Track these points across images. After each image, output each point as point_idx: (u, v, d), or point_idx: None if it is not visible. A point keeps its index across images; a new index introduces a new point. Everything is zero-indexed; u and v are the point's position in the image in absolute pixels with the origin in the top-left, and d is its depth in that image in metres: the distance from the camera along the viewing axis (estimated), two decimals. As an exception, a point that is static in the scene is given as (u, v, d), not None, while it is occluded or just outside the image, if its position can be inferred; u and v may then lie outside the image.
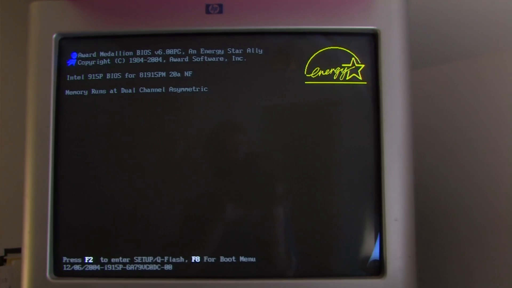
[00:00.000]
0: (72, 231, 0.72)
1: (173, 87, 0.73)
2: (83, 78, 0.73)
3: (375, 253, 0.71)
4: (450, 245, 0.97)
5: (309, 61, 0.73)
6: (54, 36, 0.72)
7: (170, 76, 0.73)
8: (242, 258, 0.71)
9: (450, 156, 0.99)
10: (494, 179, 0.92)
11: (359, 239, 0.71)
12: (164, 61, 0.73)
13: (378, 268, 0.70)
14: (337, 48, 0.73)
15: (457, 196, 0.97)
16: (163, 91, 0.73)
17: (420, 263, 0.72)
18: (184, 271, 0.71)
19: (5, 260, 1.06)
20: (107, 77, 0.73)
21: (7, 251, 1.07)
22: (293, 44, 0.74)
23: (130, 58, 0.73)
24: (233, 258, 0.71)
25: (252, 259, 0.71)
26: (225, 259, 0.71)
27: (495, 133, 0.92)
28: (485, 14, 0.89)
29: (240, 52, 0.73)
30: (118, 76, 0.73)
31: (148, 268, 0.71)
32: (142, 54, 0.73)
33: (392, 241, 0.69)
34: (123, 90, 0.73)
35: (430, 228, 0.99)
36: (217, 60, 0.73)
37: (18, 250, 0.81)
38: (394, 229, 0.70)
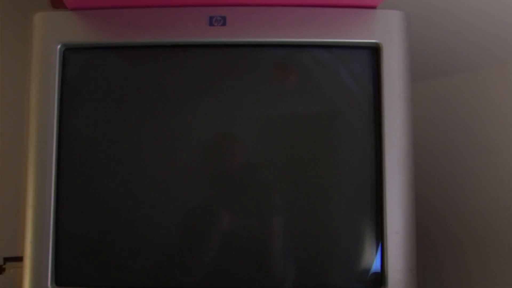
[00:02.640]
0: (74, 241, 0.72)
1: (176, 98, 0.73)
2: (86, 88, 0.74)
3: (375, 266, 0.70)
4: (448, 254, 0.97)
5: (310, 73, 0.73)
6: (58, 46, 0.72)
7: (172, 86, 0.74)
8: (240, 269, 0.71)
9: (451, 169, 0.99)
10: (494, 191, 0.92)
11: (359, 252, 0.71)
12: (167, 71, 0.73)
13: (378, 281, 0.70)
14: (338, 61, 0.73)
15: (457, 207, 0.97)
16: (165, 101, 0.73)
17: (421, 276, 0.72)
18: (184, 281, 0.71)
19: (3, 269, 1.06)
20: (110, 87, 0.74)
21: (6, 259, 1.07)
22: (295, 57, 0.74)
23: (133, 68, 0.74)
24: (231, 269, 0.71)
25: (250, 270, 0.71)
26: (223, 270, 0.71)
27: (495, 146, 0.93)
28: (485, 29, 0.90)
29: (242, 63, 0.74)
30: (120, 86, 0.74)
31: (149, 278, 0.71)
32: (144, 64, 0.74)
33: (393, 253, 0.69)
34: (125, 100, 0.74)
35: (431, 239, 0.99)
36: (219, 71, 0.73)
37: (17, 259, 0.81)
38: (394, 242, 0.69)
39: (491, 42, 0.92)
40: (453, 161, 0.99)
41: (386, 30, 0.73)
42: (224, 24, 0.72)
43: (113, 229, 0.72)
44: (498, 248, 0.90)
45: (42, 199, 0.70)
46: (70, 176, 0.72)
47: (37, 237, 0.70)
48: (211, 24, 0.72)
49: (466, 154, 0.97)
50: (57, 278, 0.70)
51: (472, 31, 0.90)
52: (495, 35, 0.90)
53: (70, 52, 0.73)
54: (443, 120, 1.01)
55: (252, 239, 0.72)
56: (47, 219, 0.70)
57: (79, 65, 0.74)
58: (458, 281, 0.96)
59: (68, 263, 0.71)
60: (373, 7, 0.73)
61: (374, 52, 0.73)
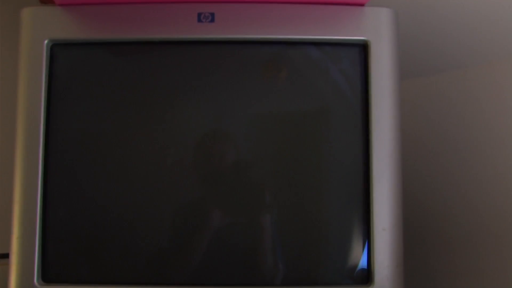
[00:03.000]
0: (61, 237, 0.71)
1: (164, 95, 0.73)
2: (74, 84, 0.73)
3: (363, 262, 0.71)
4: (437, 251, 0.98)
5: (298, 70, 0.74)
6: (45, 42, 0.72)
7: (161, 83, 0.73)
8: (229, 266, 0.71)
9: (440, 166, 0.99)
10: (484, 188, 0.92)
11: (347, 248, 0.71)
12: (155, 68, 0.73)
13: (365, 277, 0.70)
14: (327, 58, 0.74)
15: (446, 204, 0.97)
16: (154, 98, 0.73)
17: (407, 269, 0.72)
18: (172, 278, 0.71)
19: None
20: (98, 84, 0.74)
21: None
22: (284, 54, 0.74)
23: (121, 65, 0.73)
24: (220, 266, 0.71)
25: (240, 267, 0.71)
26: (212, 267, 0.71)
27: (484, 144, 0.93)
28: (474, 26, 0.90)
29: (231, 60, 0.74)
30: (109, 83, 0.74)
31: (136, 275, 0.71)
32: (133, 61, 0.73)
33: (380, 250, 0.70)
34: (114, 97, 0.73)
35: (419, 236, 0.99)
36: (208, 68, 0.73)
37: (4, 256, 0.80)
38: (382, 238, 0.70)
39: (480, 39, 0.92)
40: (442, 159, 0.99)
41: (374, 28, 0.73)
42: (212, 20, 0.72)
43: (101, 225, 0.72)
44: (487, 245, 0.91)
45: (29, 194, 0.70)
46: (58, 172, 0.72)
47: (24, 233, 0.69)
48: (199, 20, 0.72)
49: (455, 151, 0.97)
50: (44, 275, 0.70)
51: (461, 29, 0.90)
52: (484, 33, 0.90)
53: (58, 48, 0.73)
54: (432, 118, 1.01)
55: (241, 236, 0.72)
56: (33, 215, 0.70)
57: (67, 61, 0.73)
58: (446, 277, 0.96)
59: (55, 260, 0.71)
60: (362, 5, 0.73)
61: (362, 49, 0.73)
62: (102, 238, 0.72)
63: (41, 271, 0.70)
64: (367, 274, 0.70)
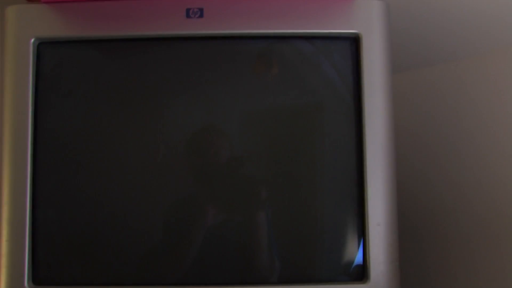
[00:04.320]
0: (51, 238, 0.70)
1: (154, 92, 0.72)
2: (61, 83, 0.72)
3: (358, 258, 0.70)
4: (432, 246, 0.98)
5: (289, 64, 0.73)
6: (32, 40, 0.71)
7: (150, 80, 0.72)
8: (224, 264, 0.70)
9: (433, 159, 0.99)
10: (477, 180, 0.92)
11: (342, 244, 0.71)
12: (144, 65, 0.72)
13: (361, 273, 0.70)
14: (318, 52, 0.73)
15: (439, 198, 0.97)
16: (143, 95, 0.72)
17: (405, 268, 0.72)
18: (166, 278, 0.70)
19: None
20: (86, 83, 0.73)
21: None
22: (274, 48, 0.74)
23: (109, 63, 0.73)
24: (215, 264, 0.70)
25: (234, 265, 0.70)
26: (207, 266, 0.70)
27: (477, 136, 0.93)
28: (466, 18, 0.89)
29: (221, 56, 0.73)
30: (97, 81, 0.73)
31: (128, 275, 0.70)
32: (121, 58, 0.73)
33: (375, 245, 0.69)
34: (102, 95, 0.73)
35: (414, 231, 0.99)
36: (198, 64, 0.72)
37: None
38: (377, 234, 0.69)
39: (472, 31, 0.92)
40: (436, 153, 0.99)
41: (365, 20, 0.72)
42: (201, 16, 0.71)
43: (92, 225, 0.71)
44: (482, 241, 0.90)
45: (18, 195, 0.69)
46: (47, 172, 0.71)
47: (13, 234, 0.69)
48: (188, 16, 0.71)
49: (448, 145, 0.97)
50: (34, 277, 0.69)
51: (452, 21, 0.90)
52: (476, 25, 0.90)
53: (44, 46, 0.72)
54: (424, 110, 1.01)
55: (236, 234, 0.71)
56: (22, 216, 0.69)
57: (54, 60, 0.72)
58: (441, 272, 0.96)
59: (46, 261, 0.70)
60: (352, -3, 0.72)
61: (353, 42, 0.72)
62: (93, 239, 0.71)
63: (32, 273, 0.69)
64: (362, 270, 0.70)
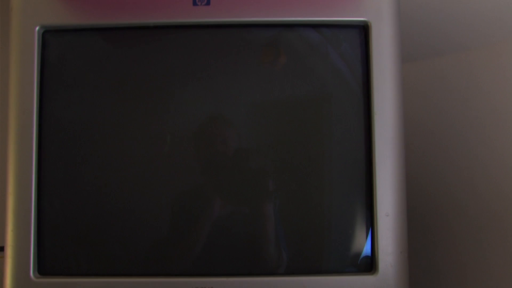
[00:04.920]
0: (56, 229, 0.70)
1: (160, 81, 0.72)
2: (67, 72, 0.72)
3: (366, 249, 0.70)
4: (441, 237, 0.97)
5: (298, 53, 0.72)
6: (37, 28, 0.71)
7: (156, 69, 0.72)
8: (231, 255, 0.70)
9: (442, 150, 0.98)
10: (487, 173, 0.91)
11: (350, 235, 0.71)
12: (150, 54, 0.72)
13: (369, 264, 0.69)
14: (326, 40, 0.72)
15: (449, 190, 0.96)
16: (149, 84, 0.72)
17: (414, 260, 0.71)
18: (172, 269, 0.70)
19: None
20: (92, 71, 0.72)
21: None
22: (282, 37, 0.73)
23: (116, 51, 0.72)
24: (222, 255, 0.70)
25: (242, 256, 0.70)
26: (215, 257, 0.70)
27: (487, 127, 0.92)
28: (477, 8, 0.89)
29: (228, 44, 0.72)
30: (103, 70, 0.72)
31: (134, 266, 0.70)
32: (127, 47, 0.72)
33: (384, 236, 0.69)
34: (108, 84, 0.72)
35: (423, 224, 0.98)
36: (204, 52, 0.72)
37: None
38: (385, 225, 0.69)
39: (483, 21, 0.91)
40: (446, 143, 0.98)
41: (374, 8, 0.71)
42: (208, 3, 0.71)
43: (98, 216, 0.71)
44: (491, 231, 0.90)
45: (23, 186, 0.69)
46: (53, 161, 0.71)
47: (18, 225, 0.68)
48: (194, 3, 0.70)
49: (458, 135, 0.96)
50: (40, 267, 0.69)
51: (463, 10, 0.89)
52: (487, 14, 0.89)
53: (50, 35, 0.71)
54: (435, 101, 1.00)
55: (244, 225, 0.71)
56: (28, 206, 0.69)
57: (59, 48, 0.72)
58: (450, 264, 0.95)
59: (51, 252, 0.70)
60: (361, -16, 0.71)
61: (362, 31, 0.72)
62: (99, 229, 0.71)
63: (37, 263, 0.69)
64: (371, 261, 0.69)
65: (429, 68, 1.01)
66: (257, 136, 0.72)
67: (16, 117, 0.70)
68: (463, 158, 0.95)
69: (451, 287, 0.95)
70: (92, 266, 0.70)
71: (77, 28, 0.72)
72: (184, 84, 0.72)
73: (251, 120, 0.72)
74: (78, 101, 0.72)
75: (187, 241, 0.70)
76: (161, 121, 0.72)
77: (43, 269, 0.69)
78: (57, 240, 0.70)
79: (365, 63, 0.71)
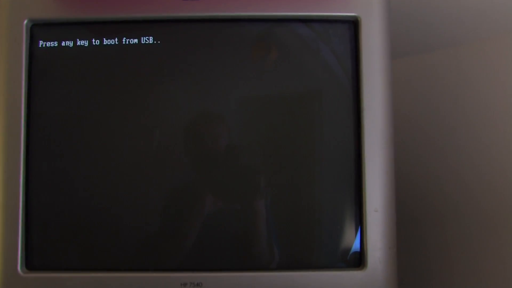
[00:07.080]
0: (44, 223, 0.70)
1: (149, 76, 0.71)
2: (55, 66, 0.71)
3: (355, 245, 0.70)
4: (430, 232, 0.97)
5: (288, 49, 0.72)
6: (25, 22, 0.70)
7: (146, 64, 0.71)
8: (222, 251, 0.70)
9: (432, 146, 0.98)
10: (477, 169, 0.92)
11: (339, 231, 0.71)
12: (139, 48, 0.71)
13: (358, 260, 0.70)
14: (316, 35, 0.72)
15: (439, 186, 0.97)
16: (139, 80, 0.71)
17: (403, 256, 0.71)
18: (163, 264, 0.70)
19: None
20: (81, 65, 0.72)
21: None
22: (272, 32, 0.72)
23: (104, 46, 0.71)
24: (214, 251, 0.70)
25: (233, 252, 0.70)
26: (204, 252, 0.70)
27: (477, 123, 0.92)
28: (467, 4, 0.89)
29: (217, 39, 0.72)
30: (92, 64, 0.72)
31: (123, 261, 0.70)
32: (116, 41, 0.71)
33: (373, 232, 0.69)
34: (98, 79, 0.71)
35: (414, 221, 0.98)
36: (193, 47, 0.71)
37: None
38: (374, 220, 0.69)
39: (473, 17, 0.91)
40: (436, 140, 0.98)
41: (365, 4, 0.71)
42: (197, -3, 0.70)
43: (87, 211, 0.70)
44: (482, 229, 0.90)
45: (11, 180, 0.68)
46: (40, 156, 0.70)
47: (6, 219, 0.68)
48: (183, -3, 0.70)
49: (448, 132, 0.96)
50: (27, 262, 0.69)
51: (453, 5, 0.89)
52: (476, 9, 0.89)
53: (38, 28, 0.71)
54: (424, 97, 1.00)
55: (234, 221, 0.71)
56: (15, 201, 0.68)
57: (48, 42, 0.71)
58: (439, 260, 0.96)
59: (39, 247, 0.69)
60: (352, -21, 0.71)
61: (352, 26, 0.71)
62: (88, 224, 0.70)
63: (25, 258, 0.68)
64: (360, 257, 0.69)
65: (419, 64, 1.02)
66: (247, 133, 0.72)
67: (4, 111, 0.69)
68: (453, 154, 0.95)
69: (440, 283, 0.95)
70: (80, 261, 0.70)
71: (65, 22, 0.71)
72: (173, 80, 0.72)
73: (240, 115, 0.72)
74: (66, 96, 0.71)
75: (176, 236, 0.70)
76: (150, 117, 0.71)
77: (30, 264, 0.69)
78: (45, 235, 0.70)
79: (354, 59, 0.71)
